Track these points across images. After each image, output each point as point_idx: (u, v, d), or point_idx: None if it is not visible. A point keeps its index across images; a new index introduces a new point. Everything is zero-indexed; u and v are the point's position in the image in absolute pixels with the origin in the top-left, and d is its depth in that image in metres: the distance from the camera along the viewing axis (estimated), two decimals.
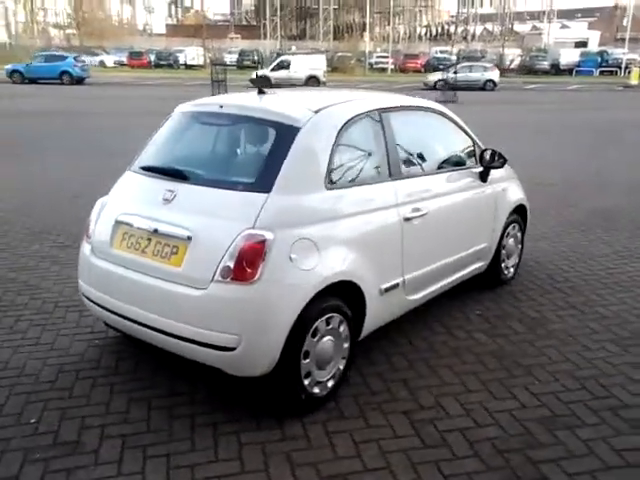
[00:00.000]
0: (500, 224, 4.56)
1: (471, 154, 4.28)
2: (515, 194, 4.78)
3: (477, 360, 3.68)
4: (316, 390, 3.10)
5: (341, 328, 3.18)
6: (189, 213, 3.04)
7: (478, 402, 3.23)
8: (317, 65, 32.33)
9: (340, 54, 46.26)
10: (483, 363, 3.64)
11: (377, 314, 3.46)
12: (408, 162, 3.74)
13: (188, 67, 46.62)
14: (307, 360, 3.00)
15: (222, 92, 24.29)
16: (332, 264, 3.04)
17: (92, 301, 3.40)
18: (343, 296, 3.17)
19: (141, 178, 3.39)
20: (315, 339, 3.02)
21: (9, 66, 32.19)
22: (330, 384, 3.18)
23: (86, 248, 3.43)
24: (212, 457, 2.77)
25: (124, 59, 48.59)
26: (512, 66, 45.82)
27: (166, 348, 3.10)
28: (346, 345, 3.25)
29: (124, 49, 52.02)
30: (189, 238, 2.95)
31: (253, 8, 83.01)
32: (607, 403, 3.22)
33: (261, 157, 3.16)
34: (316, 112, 3.24)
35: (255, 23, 74.01)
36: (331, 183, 3.14)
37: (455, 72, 28.09)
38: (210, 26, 64.69)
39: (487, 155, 4.19)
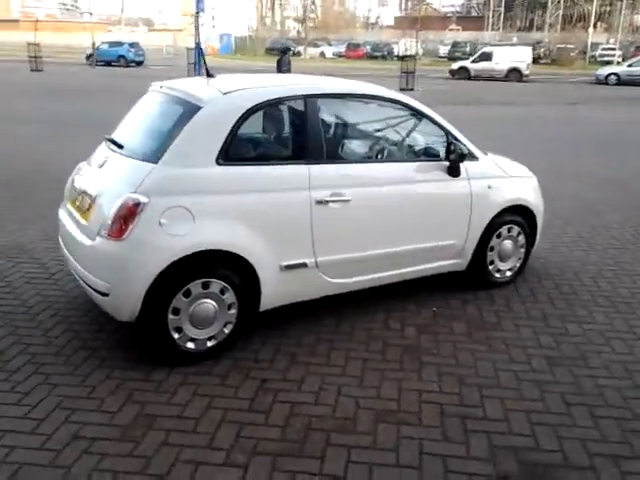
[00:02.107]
0: (481, 223, 4.32)
1: (438, 148, 4.12)
2: (510, 193, 4.47)
3: (381, 350, 3.66)
4: (190, 346, 3.43)
5: (225, 295, 3.45)
6: (105, 177, 3.57)
7: (338, 385, 3.28)
8: (521, 57, 30.86)
9: (560, 46, 43.23)
10: (384, 354, 3.62)
11: (281, 289, 3.65)
12: (337, 148, 3.82)
13: (400, 58, 47.20)
14: (177, 316, 3.34)
15: (410, 83, 24.57)
16: (206, 234, 3.32)
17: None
18: (231, 266, 3.43)
19: (102, 146, 4.00)
20: (188, 299, 3.35)
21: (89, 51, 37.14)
22: (210, 344, 3.49)
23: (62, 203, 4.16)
24: (77, 382, 3.27)
25: (343, 50, 50.96)
26: None
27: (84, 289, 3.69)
28: (232, 312, 3.51)
29: (345, 41, 54.54)
30: (95, 197, 3.47)
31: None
32: (465, 411, 3.05)
33: (165, 132, 3.54)
34: (224, 94, 3.53)
35: (481, 14, 71.97)
36: (225, 160, 3.40)
37: (630, 65, 24.58)
38: (431, 18, 64.69)
39: (452, 149, 4.01)
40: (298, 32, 64.30)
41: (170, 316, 3.32)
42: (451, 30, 60.00)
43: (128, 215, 3.22)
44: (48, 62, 31.53)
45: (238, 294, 3.49)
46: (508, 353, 3.64)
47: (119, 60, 37.13)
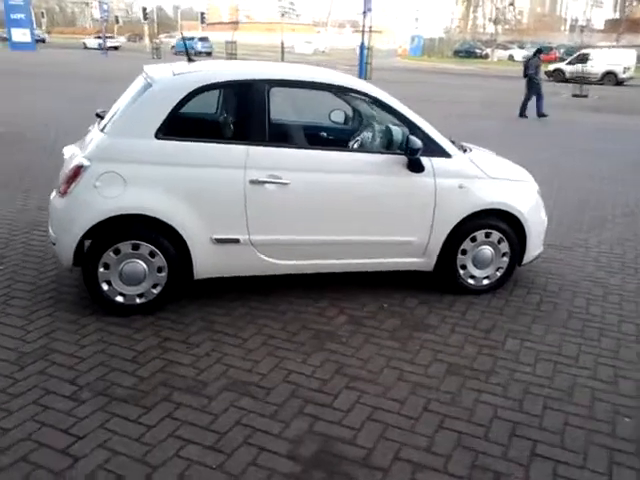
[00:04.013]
0: (447, 223, 4.13)
1: (399, 141, 4.00)
2: (488, 196, 4.19)
3: (296, 332, 3.72)
4: (120, 299, 3.82)
5: (155, 258, 3.78)
6: (80, 147, 4.08)
7: (225, 353, 3.45)
8: (621, 61, 29.51)
9: None
10: (295, 335, 3.68)
11: (214, 261, 3.89)
12: (283, 133, 3.93)
13: None
14: (106, 270, 3.75)
15: (583, 89, 22.77)
16: (133, 199, 3.66)
17: None
18: (160, 232, 3.75)
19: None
20: (117, 257, 3.74)
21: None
22: (139, 300, 3.84)
23: None
24: (24, 314, 3.80)
25: None
26: None
27: None
28: (162, 275, 3.82)
29: (538, 44, 51.68)
30: (66, 160, 4.01)
31: None
32: (315, 397, 3.06)
33: (123, 107, 3.94)
34: (175, 75, 3.85)
35: None
36: (164, 134, 3.71)
37: None
38: None
39: (409, 144, 3.89)
40: (491, 34, 62.31)
41: (100, 269, 3.74)
42: None
43: (72, 175, 3.69)
44: (242, 59, 34.26)
45: (168, 259, 3.80)
46: (415, 354, 3.51)
47: (190, 51, 41.31)
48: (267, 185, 3.80)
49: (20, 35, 47.65)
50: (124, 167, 3.66)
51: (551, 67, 32.93)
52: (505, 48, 50.56)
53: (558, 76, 31.52)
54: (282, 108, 4.12)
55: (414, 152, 3.88)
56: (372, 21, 31.78)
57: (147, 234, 3.74)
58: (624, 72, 30.08)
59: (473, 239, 4.24)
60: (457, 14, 75.78)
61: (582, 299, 4.37)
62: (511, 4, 66.62)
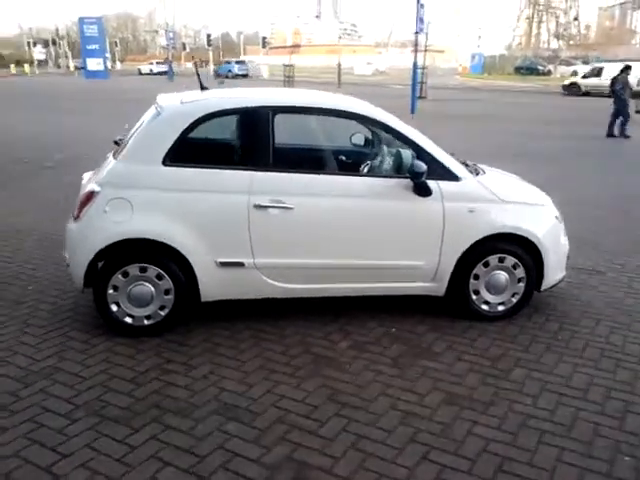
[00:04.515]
0: (458, 247, 4.03)
1: (404, 165, 3.95)
2: (501, 220, 4.07)
3: (296, 355, 3.72)
4: (128, 320, 3.92)
5: (161, 281, 3.87)
6: (95, 172, 4.24)
7: (221, 376, 3.47)
8: (636, 73, 27.64)
9: None
10: (294, 359, 3.67)
11: (220, 284, 3.95)
12: (287, 158, 3.96)
13: None
14: (115, 292, 3.86)
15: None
16: (140, 224, 3.77)
17: None
18: (167, 255, 3.84)
19: None
20: (125, 279, 3.85)
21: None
22: (147, 322, 3.93)
23: None
24: (40, 333, 3.97)
25: None
26: None
27: None
28: (168, 297, 3.90)
29: (605, 59, 50.11)
30: (82, 185, 4.18)
31: None
32: (301, 423, 3.03)
33: (134, 135, 4.07)
34: (182, 103, 3.96)
35: None
36: (171, 161, 3.82)
37: None
38: None
39: (414, 167, 3.85)
40: (554, 50, 60.93)
41: (109, 291, 3.85)
42: None
43: (84, 201, 3.84)
44: (299, 82, 34.71)
45: (175, 282, 3.88)
46: (414, 382, 3.43)
47: (227, 74, 46.94)
48: (271, 210, 3.84)
49: (94, 64, 50.61)
50: (132, 193, 3.78)
51: (567, 82, 33.66)
52: (568, 64, 49.14)
53: (574, 90, 31.87)
54: (288, 132, 4.15)
55: (419, 176, 3.83)
56: (430, 40, 31.74)
57: (154, 257, 3.84)
58: (638, 84, 28.96)
59: (486, 264, 4.13)
60: (519, 30, 74.59)
61: (604, 327, 4.17)
62: (575, 19, 65.02)
